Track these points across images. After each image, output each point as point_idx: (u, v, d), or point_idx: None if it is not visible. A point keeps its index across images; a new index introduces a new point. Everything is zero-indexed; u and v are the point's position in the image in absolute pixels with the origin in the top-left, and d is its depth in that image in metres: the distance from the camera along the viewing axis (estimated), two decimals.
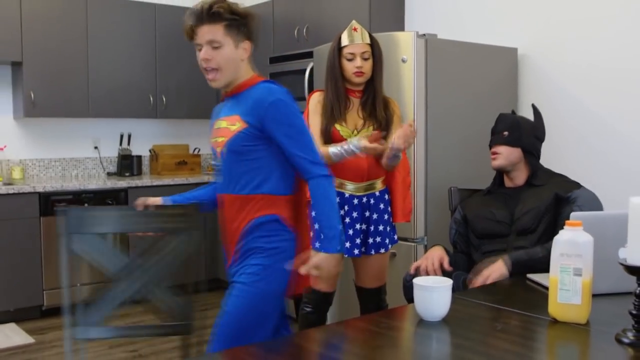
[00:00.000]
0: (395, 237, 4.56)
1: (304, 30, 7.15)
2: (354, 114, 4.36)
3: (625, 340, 2.42)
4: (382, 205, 4.45)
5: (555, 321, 2.70)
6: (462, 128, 5.35)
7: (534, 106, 4.20)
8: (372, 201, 4.41)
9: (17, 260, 6.78)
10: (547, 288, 2.80)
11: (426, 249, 5.10)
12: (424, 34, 5.17)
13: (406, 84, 5.06)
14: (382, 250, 4.46)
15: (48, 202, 6.95)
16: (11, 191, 6.75)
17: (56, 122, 7.94)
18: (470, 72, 5.45)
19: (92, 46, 7.65)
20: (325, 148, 4.23)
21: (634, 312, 2.42)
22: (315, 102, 4.43)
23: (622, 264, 2.41)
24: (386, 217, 4.46)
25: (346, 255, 4.38)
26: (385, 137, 4.27)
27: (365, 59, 4.31)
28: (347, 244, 4.37)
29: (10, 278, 6.77)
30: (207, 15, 3.29)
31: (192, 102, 8.46)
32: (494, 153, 4.07)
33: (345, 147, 4.16)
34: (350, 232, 4.37)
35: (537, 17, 5.68)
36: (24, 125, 7.79)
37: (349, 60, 4.30)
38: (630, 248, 2.38)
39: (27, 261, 6.84)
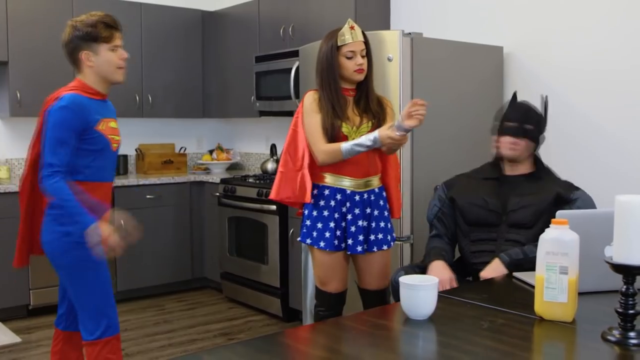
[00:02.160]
0: (389, 238, 4.50)
1: (290, 30, 7.15)
2: (350, 112, 4.35)
3: (612, 339, 2.43)
4: (381, 202, 4.43)
5: (541, 319, 2.70)
6: (448, 126, 5.36)
7: (543, 98, 4.18)
8: (372, 197, 4.39)
9: (3, 260, 6.75)
10: (533, 286, 2.80)
11: (412, 247, 5.10)
12: (410, 33, 5.17)
13: (392, 83, 5.06)
14: (385, 247, 4.42)
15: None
16: None
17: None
18: (456, 70, 5.46)
19: None
20: (333, 145, 4.25)
21: (620, 310, 2.43)
22: (310, 101, 4.39)
23: (608, 262, 2.42)
24: (386, 213, 4.45)
25: (349, 252, 4.38)
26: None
27: (364, 57, 4.31)
28: (350, 241, 4.34)
29: None
30: (116, 23, 4.10)
31: (178, 101, 8.44)
32: (514, 143, 4.03)
33: (361, 140, 4.17)
34: (353, 228, 4.34)
35: (523, 16, 5.69)
36: (10, 124, 7.76)
37: (349, 58, 4.27)
38: (616, 246, 2.39)
39: (12, 260, 6.82)
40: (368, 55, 4.36)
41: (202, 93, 8.66)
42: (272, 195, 4.55)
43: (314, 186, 4.40)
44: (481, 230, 4.01)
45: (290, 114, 7.55)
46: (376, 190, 4.42)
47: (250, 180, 7.38)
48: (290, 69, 6.79)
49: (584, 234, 2.68)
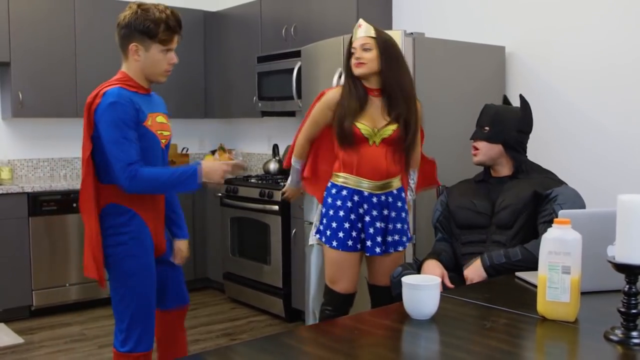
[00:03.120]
0: (410, 234, 4.51)
1: (292, 30, 7.15)
2: (375, 113, 4.28)
3: (614, 338, 2.42)
4: (399, 203, 4.41)
5: (544, 319, 2.70)
6: (450, 126, 5.36)
7: (521, 97, 4.16)
8: (390, 199, 4.37)
9: (5, 261, 6.77)
10: (535, 286, 2.80)
11: (415, 248, 5.10)
12: (412, 33, 5.17)
13: None
14: (400, 248, 4.41)
15: (37, 203, 6.94)
16: (0, 192, 6.75)
17: (44, 123, 7.93)
18: (458, 70, 5.46)
19: (80, 46, 7.63)
20: (298, 152, 4.53)
21: (622, 309, 2.43)
22: (330, 97, 4.39)
23: (610, 262, 2.41)
24: (403, 215, 4.43)
25: (367, 254, 4.36)
26: (404, 140, 4.32)
27: (366, 49, 4.23)
28: (369, 243, 4.32)
29: None
30: (180, 26, 3.84)
31: (181, 101, 8.45)
32: (475, 148, 4.08)
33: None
34: (371, 230, 4.31)
35: (525, 16, 5.69)
36: (12, 125, 7.77)
37: (353, 54, 4.27)
38: (619, 246, 2.39)
39: (16, 261, 6.83)
40: (380, 50, 4.25)
41: (205, 93, 8.67)
42: (285, 163, 4.75)
43: (332, 185, 4.41)
44: (471, 232, 4.02)
45: (292, 114, 7.56)
46: (394, 192, 4.39)
47: (253, 180, 7.38)
48: (293, 69, 6.80)
49: (586, 234, 2.68)
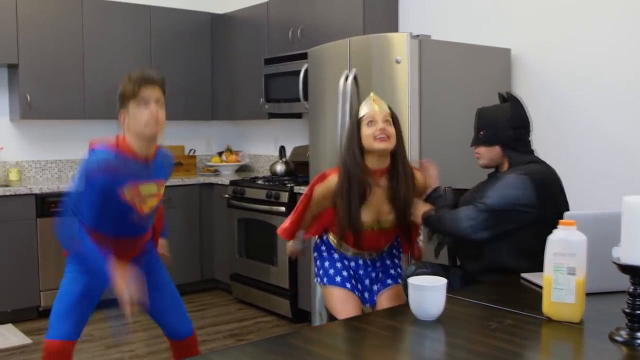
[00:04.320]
0: (400, 270, 4.36)
1: (299, 32, 7.17)
2: (378, 203, 4.04)
3: (619, 339, 2.44)
4: (394, 251, 4.38)
5: (549, 320, 2.71)
6: (456, 128, 5.36)
7: (508, 94, 4.10)
8: (383, 254, 4.34)
9: (14, 262, 6.79)
10: (541, 287, 2.81)
11: (437, 248, 5.10)
12: (418, 35, 5.18)
13: (400, 85, 5.08)
14: (390, 282, 4.29)
15: (45, 204, 6.96)
16: (8, 193, 6.76)
17: (52, 124, 7.95)
18: (464, 72, 5.47)
19: (88, 48, 7.65)
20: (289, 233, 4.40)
21: (627, 310, 2.44)
22: (330, 186, 4.09)
23: (615, 263, 2.43)
24: (396, 261, 4.37)
25: (368, 305, 4.29)
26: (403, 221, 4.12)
27: (388, 122, 3.94)
28: (367, 295, 4.29)
29: (7, 279, 6.78)
30: (148, 80, 3.92)
31: (188, 103, 8.46)
32: (476, 154, 4.08)
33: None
34: (362, 284, 4.29)
35: (531, 18, 5.70)
36: (20, 127, 7.79)
37: (369, 125, 3.92)
38: (624, 247, 2.40)
39: (24, 262, 6.85)
40: (398, 129, 4.01)
41: (211, 95, 8.68)
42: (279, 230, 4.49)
43: (328, 241, 4.35)
44: None
45: (299, 116, 7.58)
46: (384, 250, 4.35)
47: (260, 182, 7.39)
48: (299, 71, 6.80)
49: (591, 235, 2.69)
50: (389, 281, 4.29)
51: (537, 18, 5.65)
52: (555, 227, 3.65)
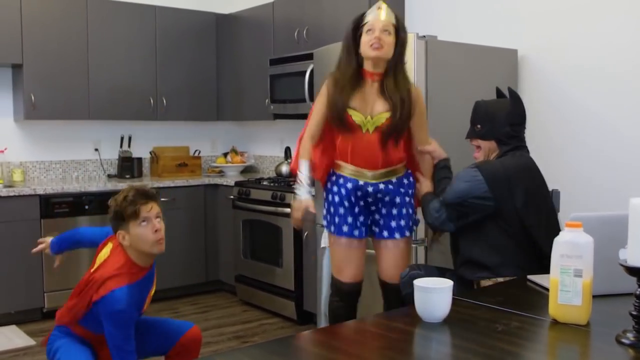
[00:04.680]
0: (411, 223, 4.40)
1: (304, 32, 7.16)
2: (370, 98, 4.18)
3: (626, 341, 2.42)
4: (401, 189, 4.33)
5: (555, 322, 2.70)
6: (462, 130, 5.33)
7: (510, 90, 4.07)
8: (390, 187, 4.29)
9: (18, 263, 6.78)
10: (547, 289, 2.80)
11: (427, 250, 5.09)
12: (424, 36, 5.17)
13: None
14: (407, 234, 4.34)
15: (49, 204, 6.95)
16: (12, 193, 6.76)
17: (56, 125, 7.94)
18: (470, 73, 5.45)
19: (93, 48, 7.65)
20: (304, 153, 4.38)
21: (634, 313, 2.43)
22: (325, 83, 4.31)
23: (622, 265, 2.41)
24: (407, 199, 4.36)
25: (375, 238, 4.37)
26: (400, 131, 4.21)
27: (386, 32, 4.08)
28: (374, 228, 4.35)
29: (11, 280, 6.78)
30: (145, 195, 3.87)
31: (193, 104, 8.46)
32: (476, 146, 4.07)
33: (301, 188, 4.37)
34: (363, 217, 4.34)
35: (537, 19, 5.68)
36: (24, 127, 7.79)
37: (367, 33, 4.10)
38: (631, 249, 2.39)
39: (28, 263, 6.84)
40: (397, 39, 4.15)
41: (217, 96, 8.68)
42: (292, 165, 4.62)
43: (332, 173, 4.40)
44: None
45: (304, 116, 7.55)
46: (394, 180, 4.32)
47: (265, 183, 7.39)
48: (305, 71, 6.79)
49: (598, 237, 2.68)
50: (397, 235, 4.34)
51: (543, 19, 5.63)
52: (514, 223, 3.69)
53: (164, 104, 8.14)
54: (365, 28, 4.12)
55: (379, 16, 4.10)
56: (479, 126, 4.02)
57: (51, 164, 7.93)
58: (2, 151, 7.56)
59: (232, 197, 7.61)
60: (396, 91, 4.16)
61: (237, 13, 8.36)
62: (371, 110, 4.18)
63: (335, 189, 4.35)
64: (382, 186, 4.29)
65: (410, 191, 4.39)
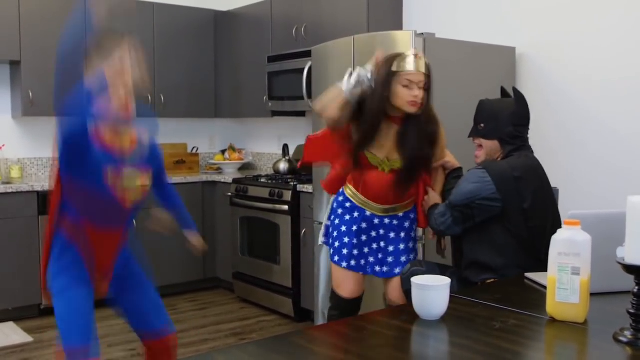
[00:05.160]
0: (412, 257, 4.32)
1: (303, 30, 7.15)
2: (388, 143, 4.06)
3: (623, 339, 2.42)
4: (406, 224, 4.29)
5: (553, 320, 2.70)
6: (460, 128, 5.33)
7: (514, 90, 4.03)
8: (394, 222, 4.25)
9: (15, 259, 6.78)
10: (545, 287, 2.80)
11: (425, 248, 5.10)
12: (422, 33, 5.17)
13: None
14: (397, 271, 4.25)
15: (46, 201, 6.93)
16: (9, 190, 6.76)
17: (54, 121, 7.90)
18: (468, 71, 5.46)
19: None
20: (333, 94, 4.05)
21: (632, 311, 2.43)
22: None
23: (620, 263, 2.41)
24: (412, 234, 4.32)
25: (367, 273, 4.29)
26: (416, 177, 4.15)
27: (421, 89, 3.93)
28: (362, 262, 4.27)
29: (9, 277, 6.78)
30: None
31: (191, 101, 8.46)
32: (478, 144, 4.04)
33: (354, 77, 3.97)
34: (366, 250, 4.26)
35: (535, 17, 5.69)
36: (22, 124, 7.79)
37: (405, 86, 3.89)
38: (628, 247, 2.39)
39: (25, 260, 6.84)
40: (428, 90, 4.00)
41: (215, 93, 8.68)
42: (305, 157, 4.47)
43: (342, 192, 4.32)
44: None
45: (302, 114, 7.56)
46: (400, 215, 4.27)
47: (263, 180, 7.38)
48: (303, 69, 6.79)
49: (596, 235, 2.67)
50: (397, 270, 4.26)
51: (541, 17, 5.64)
52: (520, 224, 3.68)
53: (162, 101, 8.14)
54: (402, 78, 3.91)
55: (419, 68, 3.93)
56: (482, 125, 3.99)
57: (49, 160, 7.93)
58: (0, 148, 7.56)
59: (230, 194, 7.61)
60: (412, 140, 4.03)
61: (236, 10, 8.35)
62: (388, 154, 4.09)
63: (340, 211, 4.28)
64: (387, 221, 4.25)
65: (414, 226, 4.35)
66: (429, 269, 3.95)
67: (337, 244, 4.29)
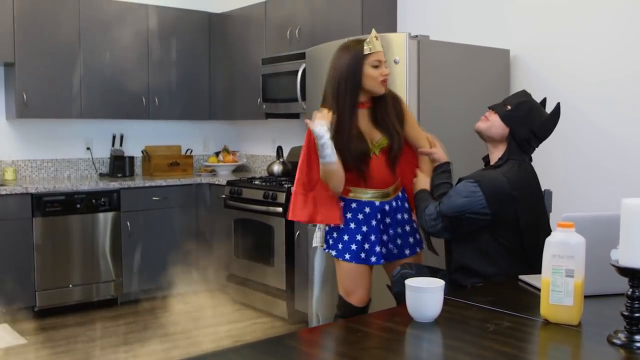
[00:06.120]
0: (418, 236, 4.37)
1: (297, 32, 7.16)
2: (364, 126, 4.13)
3: (617, 342, 2.42)
4: (406, 205, 4.35)
5: (547, 322, 2.70)
6: (454, 129, 5.34)
7: (557, 105, 3.96)
8: (398, 202, 4.29)
9: (9, 261, 6.77)
10: (539, 289, 2.80)
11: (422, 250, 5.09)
12: (417, 35, 5.17)
13: (398, 86, 5.05)
14: (418, 250, 4.33)
15: (40, 203, 6.94)
16: (3, 192, 6.74)
17: (48, 123, 7.92)
18: (463, 73, 5.46)
19: (85, 47, 7.63)
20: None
21: (625, 313, 2.43)
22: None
23: (614, 265, 2.41)
24: (406, 216, 4.34)
25: (382, 262, 4.27)
26: (401, 150, 4.20)
27: (387, 67, 4.07)
28: (384, 249, 4.26)
29: (3, 279, 6.76)
30: None
31: (185, 103, 8.45)
32: (486, 115, 3.94)
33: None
34: (385, 237, 4.26)
35: (530, 19, 5.69)
36: (16, 126, 7.77)
37: (375, 67, 3.98)
38: (622, 249, 2.39)
39: (19, 262, 6.83)
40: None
41: (209, 95, 8.67)
42: (290, 215, 4.32)
43: (341, 199, 4.27)
44: None
45: (296, 116, 7.56)
46: (399, 194, 4.32)
47: (257, 182, 7.38)
48: (297, 71, 6.79)
49: (590, 237, 2.68)
50: (418, 249, 4.33)
51: (536, 19, 5.64)
52: (515, 240, 3.68)
53: (156, 103, 8.13)
54: (372, 58, 4.00)
55: (378, 47, 4.02)
56: (509, 107, 3.89)
57: (43, 162, 7.92)
58: None
59: (223, 196, 7.60)
60: (387, 119, 4.16)
61: (230, 12, 8.35)
62: (371, 138, 4.13)
63: (349, 215, 4.24)
64: (394, 203, 4.28)
65: (407, 205, 4.39)
66: (419, 271, 3.95)
67: (352, 246, 4.22)
